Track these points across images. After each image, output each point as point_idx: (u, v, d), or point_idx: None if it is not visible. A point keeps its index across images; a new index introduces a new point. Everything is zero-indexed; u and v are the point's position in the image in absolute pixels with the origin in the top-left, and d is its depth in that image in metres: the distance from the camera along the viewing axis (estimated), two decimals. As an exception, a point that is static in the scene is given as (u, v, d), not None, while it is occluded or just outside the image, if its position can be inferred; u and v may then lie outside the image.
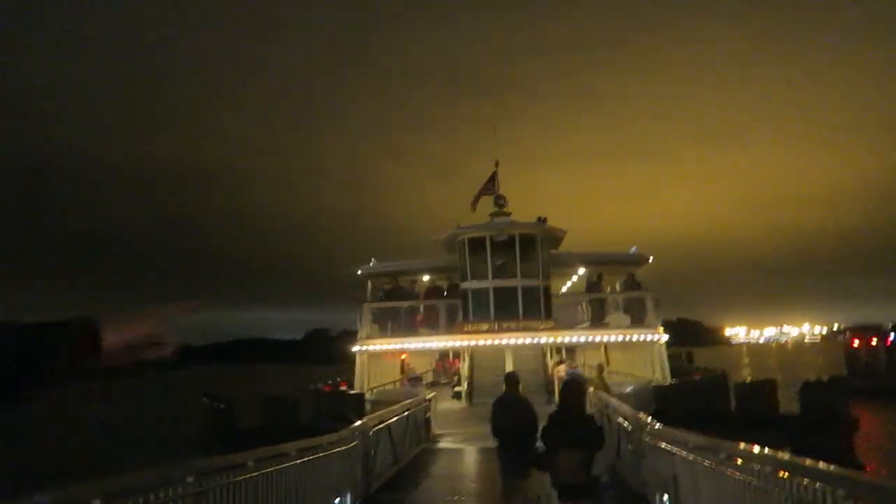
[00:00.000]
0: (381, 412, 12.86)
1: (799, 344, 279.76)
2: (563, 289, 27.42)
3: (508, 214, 22.49)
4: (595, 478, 6.90)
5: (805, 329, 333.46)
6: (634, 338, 20.58)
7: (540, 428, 7.98)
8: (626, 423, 11.59)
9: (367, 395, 20.19)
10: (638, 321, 21.08)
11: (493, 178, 23.43)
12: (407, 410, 14.80)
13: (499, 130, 24.12)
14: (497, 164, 23.87)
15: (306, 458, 8.19)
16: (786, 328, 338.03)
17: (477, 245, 20.98)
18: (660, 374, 20.53)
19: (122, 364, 1.19)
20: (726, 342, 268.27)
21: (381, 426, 12.12)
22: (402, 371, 27.33)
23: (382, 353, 23.21)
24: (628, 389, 19.37)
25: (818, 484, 4.44)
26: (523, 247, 20.70)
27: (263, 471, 6.92)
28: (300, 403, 18.21)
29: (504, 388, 9.58)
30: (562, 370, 25.79)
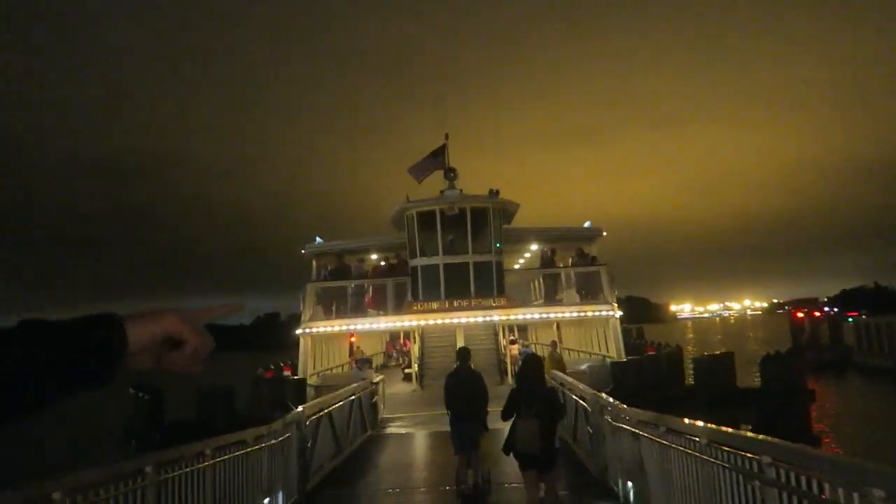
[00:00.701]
0: (321, 399, 11.82)
1: (741, 318, 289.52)
2: (516, 266, 26.71)
3: (459, 190, 21.50)
4: (555, 448, 7.00)
5: (746, 304, 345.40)
6: (590, 314, 19.95)
7: (489, 400, 9.26)
8: (583, 403, 10.87)
9: (311, 381, 19.07)
10: (592, 297, 20.48)
11: (442, 151, 22.30)
12: (352, 395, 13.82)
13: (448, 115, 22.98)
14: (447, 138, 22.78)
15: (226, 457, 7.12)
16: (729, 304, 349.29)
17: (427, 220, 19.92)
18: (615, 350, 20.00)
19: (145, 367, 1.09)
20: (672, 318, 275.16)
21: (321, 414, 11.09)
22: (351, 354, 26.29)
23: (329, 335, 22.08)
24: (583, 367, 18.77)
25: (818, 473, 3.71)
26: (475, 221, 19.76)
27: (168, 475, 5.85)
28: (237, 393, 16.92)
29: (456, 363, 9.77)
30: (515, 349, 25.15)
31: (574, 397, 11.71)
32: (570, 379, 13.24)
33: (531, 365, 7.51)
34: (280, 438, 9.03)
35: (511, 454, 6.99)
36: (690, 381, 18.30)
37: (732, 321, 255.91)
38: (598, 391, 10.66)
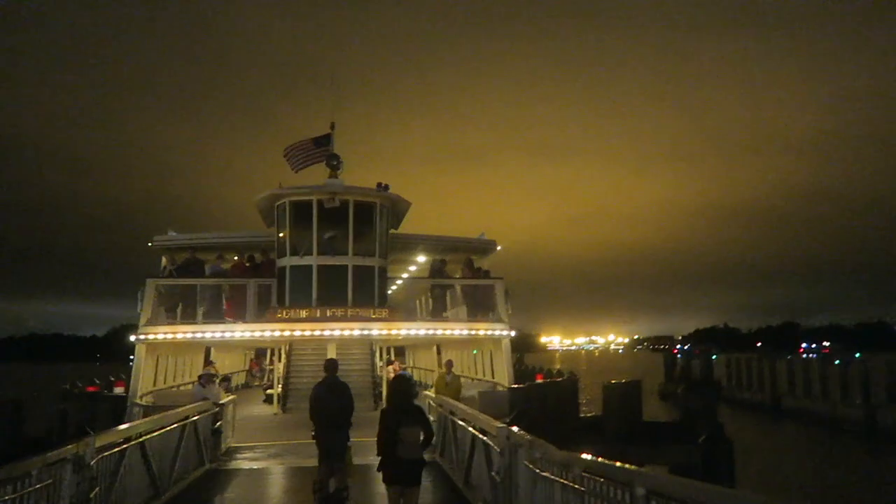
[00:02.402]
0: (131, 424, 8.66)
1: (605, 352, 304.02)
2: (399, 281, 24.20)
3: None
4: (424, 462, 7.05)
5: (611, 339, 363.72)
6: (482, 332, 17.78)
7: (353, 412, 9.32)
8: (484, 438, 8.50)
9: (143, 400, 15.44)
10: (483, 314, 18.37)
11: (327, 140, 19.50)
12: (185, 419, 10.67)
13: (334, 118, 19.86)
14: (332, 128, 20.00)
15: None
16: (595, 337, 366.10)
17: (301, 211, 17.00)
18: (504, 375, 17.92)
19: None
20: (543, 349, 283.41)
21: (126, 446, 7.95)
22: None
23: (177, 345, 18.43)
24: (472, 392, 16.50)
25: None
26: (359, 217, 17.08)
27: None
28: (28, 409, 13.10)
29: (324, 373, 9.54)
30: (391, 371, 22.55)
31: (470, 430, 9.34)
32: (464, 406, 10.87)
33: (404, 383, 7.51)
34: (41, 485, 5.92)
35: (379, 471, 6.86)
36: (588, 411, 16.51)
37: (597, 354, 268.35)
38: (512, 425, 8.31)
